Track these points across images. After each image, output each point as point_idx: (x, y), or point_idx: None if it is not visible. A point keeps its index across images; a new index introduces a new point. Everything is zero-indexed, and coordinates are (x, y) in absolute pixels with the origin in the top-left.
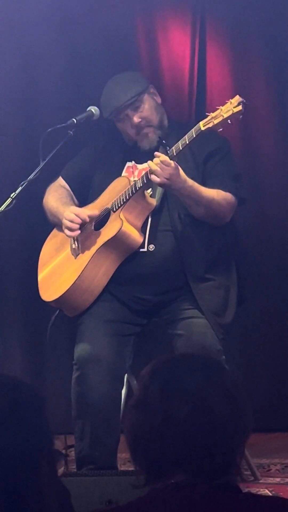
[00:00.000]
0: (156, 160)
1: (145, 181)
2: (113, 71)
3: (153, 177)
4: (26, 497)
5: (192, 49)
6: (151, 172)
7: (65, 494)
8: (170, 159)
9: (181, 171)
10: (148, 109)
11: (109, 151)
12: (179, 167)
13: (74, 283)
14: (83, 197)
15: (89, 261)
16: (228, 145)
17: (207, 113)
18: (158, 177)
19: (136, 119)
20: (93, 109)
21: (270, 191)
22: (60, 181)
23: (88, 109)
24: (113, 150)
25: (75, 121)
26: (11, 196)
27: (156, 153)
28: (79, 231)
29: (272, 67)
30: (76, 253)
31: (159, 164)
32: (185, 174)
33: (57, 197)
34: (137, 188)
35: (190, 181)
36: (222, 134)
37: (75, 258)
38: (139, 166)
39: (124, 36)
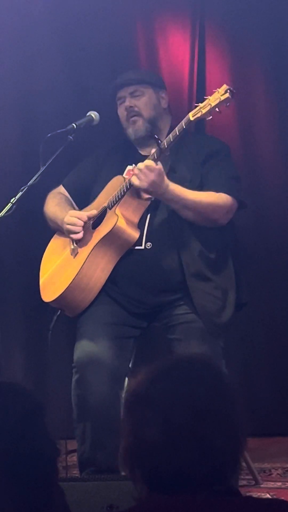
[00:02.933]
0: (140, 164)
1: None
2: (113, 75)
3: (133, 178)
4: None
5: (192, 53)
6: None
7: (61, 493)
8: (162, 152)
9: (164, 177)
10: (145, 102)
11: (111, 157)
12: (163, 173)
13: (73, 280)
14: (83, 205)
15: (87, 258)
16: (227, 150)
17: (195, 104)
18: (139, 180)
19: (128, 103)
20: (93, 114)
21: (270, 194)
22: (60, 188)
23: (88, 114)
24: (115, 156)
25: (75, 126)
26: (11, 201)
27: (149, 157)
28: (82, 234)
29: (271, 70)
30: (74, 252)
31: (143, 168)
32: (167, 179)
33: (55, 203)
34: (131, 184)
35: (172, 185)
36: (223, 137)
37: (74, 258)
38: None
39: (124, 40)
